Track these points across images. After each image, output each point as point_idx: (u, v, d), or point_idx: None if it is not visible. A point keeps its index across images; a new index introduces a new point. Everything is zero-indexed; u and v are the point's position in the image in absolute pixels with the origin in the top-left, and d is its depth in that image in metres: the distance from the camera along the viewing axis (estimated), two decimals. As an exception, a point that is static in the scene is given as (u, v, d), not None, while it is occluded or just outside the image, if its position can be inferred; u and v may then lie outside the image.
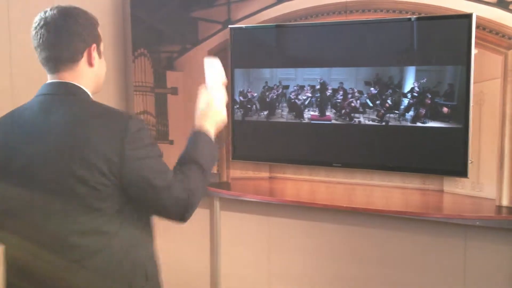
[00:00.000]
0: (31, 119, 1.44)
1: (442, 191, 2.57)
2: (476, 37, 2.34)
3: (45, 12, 1.45)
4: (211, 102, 1.64)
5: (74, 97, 1.46)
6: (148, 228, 1.57)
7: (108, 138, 1.37)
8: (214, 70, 1.68)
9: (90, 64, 1.50)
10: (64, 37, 1.43)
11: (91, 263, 1.42)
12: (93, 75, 1.52)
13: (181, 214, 1.47)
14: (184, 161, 1.53)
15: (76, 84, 1.47)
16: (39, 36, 1.44)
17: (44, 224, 1.42)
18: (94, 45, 1.50)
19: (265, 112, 2.86)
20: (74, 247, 1.41)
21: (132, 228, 1.49)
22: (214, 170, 2.84)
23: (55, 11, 1.44)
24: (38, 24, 1.44)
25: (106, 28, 3.26)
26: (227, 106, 1.72)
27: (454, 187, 2.54)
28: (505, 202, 2.44)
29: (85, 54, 1.48)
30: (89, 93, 1.51)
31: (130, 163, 1.38)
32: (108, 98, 3.30)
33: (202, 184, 1.52)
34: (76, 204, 1.38)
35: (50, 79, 1.49)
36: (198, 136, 1.59)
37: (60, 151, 1.38)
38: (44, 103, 1.46)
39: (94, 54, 1.50)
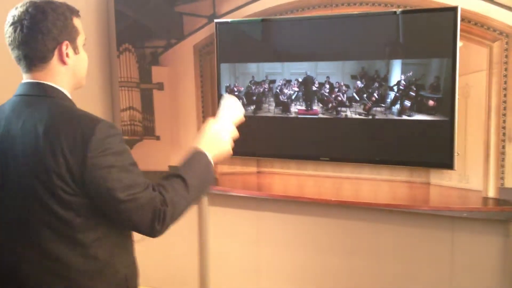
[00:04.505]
0: (4, 122, 1.41)
1: (429, 183, 2.59)
2: (461, 29, 2.35)
3: (16, 8, 1.39)
4: (219, 132, 1.58)
5: (46, 99, 1.40)
6: (129, 233, 1.52)
7: (71, 144, 1.30)
8: (231, 106, 1.65)
9: (63, 62, 1.42)
10: (31, 36, 1.36)
11: (71, 270, 1.39)
12: (68, 73, 1.45)
13: (150, 228, 1.36)
14: (170, 175, 1.46)
15: (50, 84, 1.41)
16: (8, 35, 1.39)
17: (20, 228, 1.39)
18: (66, 42, 1.41)
19: (252, 107, 2.85)
20: (52, 254, 1.37)
21: (114, 236, 1.44)
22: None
23: (24, 8, 1.37)
24: (8, 22, 1.39)
25: (89, 24, 3.22)
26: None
27: (441, 179, 2.56)
28: (491, 193, 2.46)
29: (56, 52, 1.40)
30: (66, 91, 1.45)
31: (91, 171, 1.30)
32: (93, 94, 3.27)
33: (184, 201, 1.42)
34: (43, 211, 1.34)
35: (24, 78, 1.44)
36: (195, 154, 1.52)
37: (27, 155, 1.34)
38: (16, 106, 1.42)
39: (68, 50, 1.42)
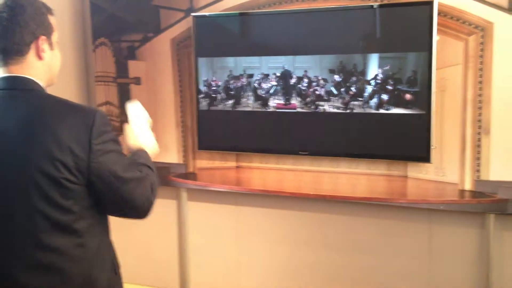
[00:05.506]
0: None
1: (406, 176, 2.61)
2: (437, 23, 2.36)
3: None
4: (137, 138, 1.64)
5: (32, 92, 1.41)
6: (107, 221, 1.55)
7: (75, 132, 1.34)
8: (137, 112, 1.70)
9: (39, 57, 1.43)
10: (9, 29, 1.37)
11: (66, 261, 1.38)
12: (44, 68, 1.45)
13: (146, 207, 1.46)
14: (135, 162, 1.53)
15: (28, 77, 1.42)
16: None
17: (14, 224, 1.37)
18: (43, 37, 1.42)
19: (231, 101, 2.83)
20: (48, 246, 1.36)
21: (100, 224, 1.47)
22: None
23: (2, 1, 1.38)
24: None
25: (65, 17, 3.16)
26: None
27: (418, 172, 2.58)
28: (467, 186, 2.49)
29: (33, 47, 1.41)
30: (43, 86, 1.45)
31: (97, 157, 1.36)
32: (69, 89, 3.21)
33: (156, 184, 1.53)
34: (44, 202, 1.34)
35: (0, 72, 1.43)
36: (138, 152, 1.59)
37: (23, 149, 1.33)
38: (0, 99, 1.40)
39: (44, 46, 1.43)
